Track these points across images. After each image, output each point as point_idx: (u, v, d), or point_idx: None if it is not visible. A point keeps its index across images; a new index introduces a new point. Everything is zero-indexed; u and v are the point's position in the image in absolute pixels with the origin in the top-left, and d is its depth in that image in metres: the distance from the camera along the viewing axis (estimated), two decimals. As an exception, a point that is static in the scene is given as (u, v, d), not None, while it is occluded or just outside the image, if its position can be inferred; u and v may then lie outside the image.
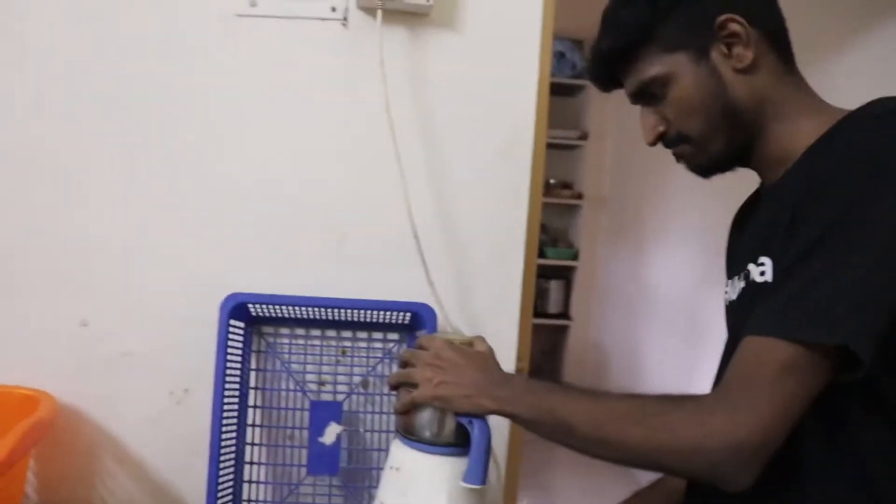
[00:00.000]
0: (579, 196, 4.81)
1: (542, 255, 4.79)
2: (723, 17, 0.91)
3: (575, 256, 4.85)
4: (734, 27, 0.91)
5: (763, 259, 0.87)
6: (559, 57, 4.50)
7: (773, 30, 0.95)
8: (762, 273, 0.86)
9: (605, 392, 0.87)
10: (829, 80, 2.40)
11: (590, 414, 0.84)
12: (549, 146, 4.65)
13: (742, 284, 0.94)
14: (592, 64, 1.03)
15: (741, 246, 1.03)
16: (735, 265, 1.00)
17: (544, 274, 4.89)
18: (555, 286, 4.88)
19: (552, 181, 4.84)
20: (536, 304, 4.87)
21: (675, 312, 3.56)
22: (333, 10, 1.28)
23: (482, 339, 1.05)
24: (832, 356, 0.74)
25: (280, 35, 1.28)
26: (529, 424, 0.91)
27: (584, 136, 4.73)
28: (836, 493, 0.83)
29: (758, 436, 0.74)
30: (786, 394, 0.75)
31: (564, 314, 4.94)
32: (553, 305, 4.89)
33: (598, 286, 4.86)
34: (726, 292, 1.01)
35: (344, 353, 1.34)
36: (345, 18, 1.28)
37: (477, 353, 1.00)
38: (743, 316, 0.87)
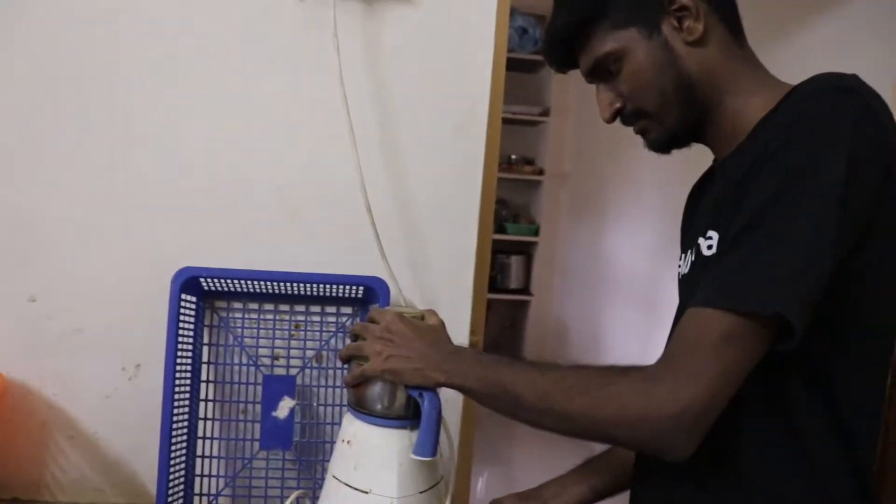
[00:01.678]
0: (541, 172, 4.83)
1: (502, 230, 4.82)
2: None
3: (536, 232, 4.88)
4: (683, 0, 0.92)
5: (711, 233, 0.88)
6: (521, 32, 4.49)
7: (722, 2, 0.96)
8: (709, 247, 0.88)
9: (553, 364, 0.89)
10: (784, 60, 2.43)
11: (537, 386, 0.86)
12: (511, 122, 4.71)
13: (692, 258, 0.96)
14: (547, 43, 1.03)
15: (694, 221, 1.05)
16: (688, 240, 1.02)
17: (505, 249, 4.92)
18: (516, 262, 4.91)
19: (514, 157, 4.85)
20: (497, 280, 4.90)
21: (634, 288, 3.61)
22: (289, -20, 1.27)
23: (433, 313, 1.05)
24: (770, 326, 0.76)
25: (233, 6, 1.26)
26: (478, 397, 0.92)
27: (545, 112, 4.74)
28: (776, 466, 0.85)
29: (698, 404, 0.76)
30: (726, 363, 0.76)
31: (525, 289, 4.98)
32: (514, 281, 4.92)
33: (558, 262, 4.90)
34: (679, 266, 1.02)
35: (298, 327, 1.33)
36: (300, -11, 1.27)
37: (428, 327, 1.00)
38: (691, 289, 0.89)
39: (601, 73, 0.99)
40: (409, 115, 1.29)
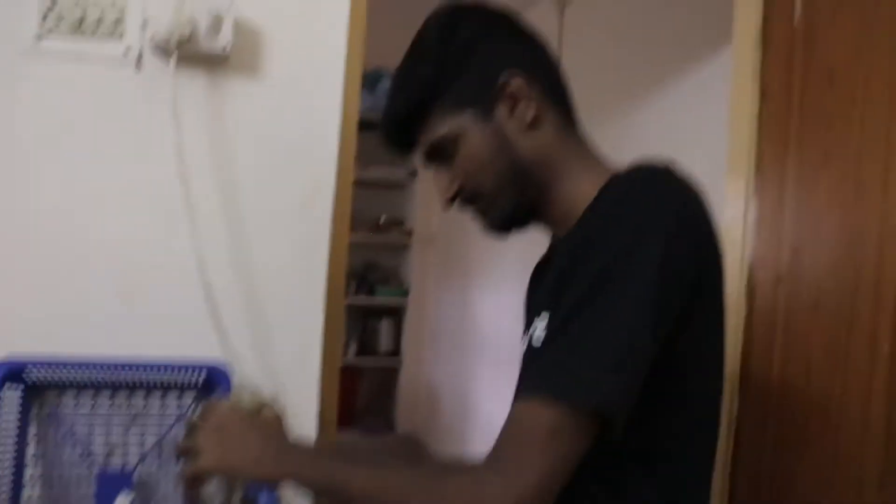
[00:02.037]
0: (409, 234, 4.86)
1: (372, 293, 4.79)
2: (505, 75, 0.95)
3: (405, 295, 4.88)
4: (516, 86, 0.95)
5: (543, 316, 0.90)
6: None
7: (554, 89, 0.99)
8: (542, 331, 0.89)
9: (388, 462, 0.87)
10: (630, 128, 2.57)
11: (370, 483, 0.84)
12: (380, 184, 4.71)
13: (528, 340, 0.97)
14: (384, 127, 1.03)
15: (533, 301, 1.07)
16: (527, 319, 1.04)
17: (375, 313, 4.88)
18: (386, 325, 4.88)
19: (383, 219, 4.85)
20: (367, 344, 4.85)
21: (500, 351, 3.65)
22: (127, 51, 1.23)
23: (272, 404, 1.02)
24: (593, 418, 0.77)
25: (68, 76, 1.21)
26: (313, 492, 0.89)
27: (413, 174, 4.78)
28: None
29: (528, 499, 0.76)
30: (553, 456, 0.77)
31: (396, 353, 4.94)
32: (384, 344, 4.88)
33: (428, 325, 4.90)
34: (522, 343, 1.03)
35: (136, 416, 1.26)
36: (139, 61, 1.23)
37: (264, 420, 0.97)
38: (524, 371, 0.90)
39: (437, 156, 1.00)
40: (254, 190, 1.27)
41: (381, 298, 4.80)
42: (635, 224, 0.81)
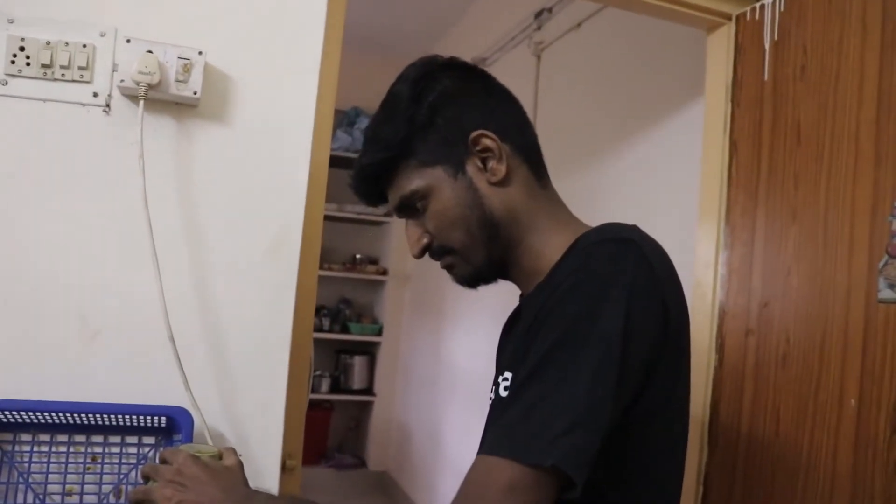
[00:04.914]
0: (384, 272, 4.85)
1: (346, 330, 4.77)
2: (476, 132, 0.95)
3: (379, 332, 4.86)
4: (487, 142, 0.95)
5: (507, 374, 0.89)
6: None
7: (525, 146, 1.00)
8: (506, 388, 0.89)
9: None
10: (604, 176, 2.59)
11: None
12: (355, 221, 4.72)
13: (493, 394, 0.96)
14: (356, 180, 1.03)
15: (502, 357, 1.07)
16: (496, 373, 1.03)
17: (349, 350, 4.86)
18: (359, 362, 4.85)
19: (358, 256, 4.86)
20: (341, 380, 4.82)
21: (472, 391, 3.63)
22: (95, 95, 1.22)
23: (232, 452, 1.00)
24: (552, 476, 0.77)
25: (35, 119, 1.19)
26: None
27: (389, 213, 4.78)
28: None
29: None
30: None
31: (369, 390, 4.91)
32: (357, 381, 4.85)
33: (401, 362, 4.88)
34: (490, 397, 1.03)
35: (94, 459, 1.23)
36: (107, 105, 1.22)
37: (223, 468, 0.95)
38: (489, 424, 0.89)
39: (408, 209, 1.01)
40: (221, 235, 1.26)
41: (355, 335, 4.78)
42: (599, 285, 0.81)
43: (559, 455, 0.75)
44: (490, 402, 1.02)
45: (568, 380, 0.78)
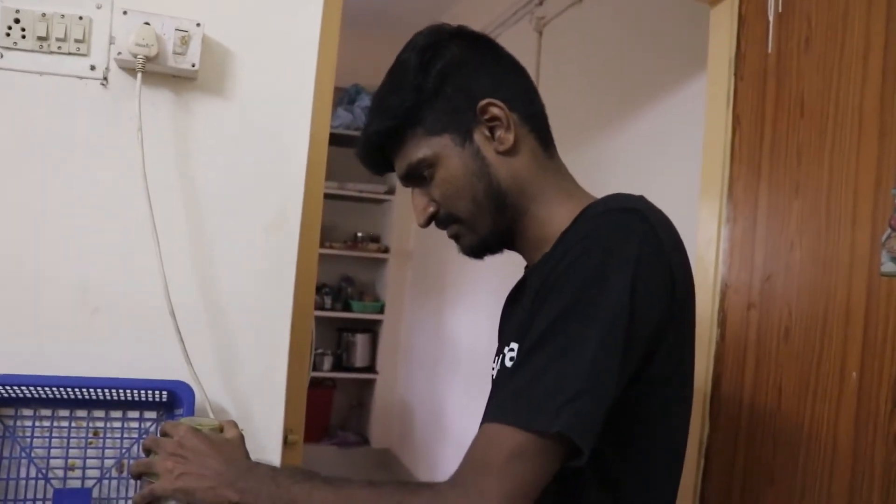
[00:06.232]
0: (386, 250, 4.85)
1: (347, 308, 4.78)
2: (484, 101, 0.95)
3: (381, 310, 4.86)
4: (495, 111, 0.95)
5: (513, 344, 0.89)
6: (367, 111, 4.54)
7: (532, 115, 0.99)
8: (511, 358, 0.89)
9: (346, 481, 0.86)
10: (606, 150, 2.58)
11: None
12: (357, 199, 4.71)
13: (499, 366, 0.96)
14: (363, 149, 1.03)
15: (506, 328, 1.06)
16: (500, 345, 1.03)
17: (351, 328, 4.87)
18: (361, 340, 4.86)
19: (360, 234, 4.86)
20: (343, 358, 4.83)
21: (474, 369, 3.64)
22: (93, 68, 1.21)
23: (233, 424, 1.01)
24: (558, 443, 0.77)
25: (32, 92, 1.18)
26: None
27: (391, 191, 4.78)
28: None
29: None
30: (515, 481, 0.76)
31: (371, 368, 4.92)
32: (360, 359, 4.86)
33: (403, 340, 4.89)
34: (493, 369, 1.03)
35: (96, 434, 1.23)
36: (105, 78, 1.21)
37: (224, 441, 0.96)
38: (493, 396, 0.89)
39: (415, 178, 1.00)
40: (221, 209, 1.25)
41: (357, 313, 4.78)
42: (606, 254, 0.81)
43: (565, 422, 0.75)
44: (493, 375, 1.02)
45: (574, 348, 0.78)
